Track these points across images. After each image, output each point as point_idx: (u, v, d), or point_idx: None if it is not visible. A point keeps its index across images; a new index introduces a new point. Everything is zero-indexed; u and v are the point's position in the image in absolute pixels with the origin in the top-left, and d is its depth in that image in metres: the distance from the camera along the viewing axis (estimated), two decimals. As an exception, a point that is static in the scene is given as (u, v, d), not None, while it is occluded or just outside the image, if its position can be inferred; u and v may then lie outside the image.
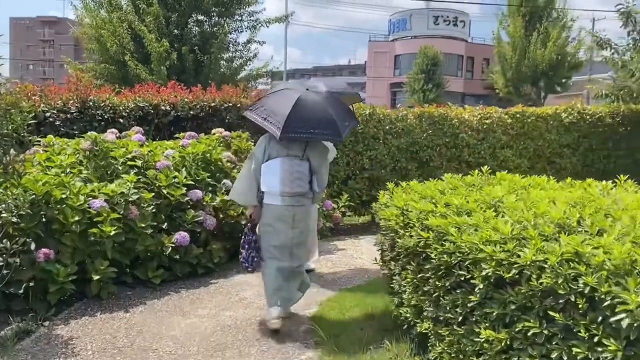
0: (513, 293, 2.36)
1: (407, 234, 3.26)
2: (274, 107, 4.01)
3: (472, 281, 2.58)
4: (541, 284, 2.21)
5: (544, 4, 24.76)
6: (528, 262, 2.28)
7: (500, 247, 2.45)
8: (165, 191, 5.29)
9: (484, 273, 2.45)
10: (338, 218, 7.23)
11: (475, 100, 31.35)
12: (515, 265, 2.33)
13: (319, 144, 4.22)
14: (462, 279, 2.66)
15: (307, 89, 4.20)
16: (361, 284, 5.22)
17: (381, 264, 4.25)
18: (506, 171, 9.23)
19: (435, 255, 2.86)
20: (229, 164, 6.22)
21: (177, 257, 5.11)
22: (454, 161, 8.95)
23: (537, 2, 24.74)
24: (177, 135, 6.65)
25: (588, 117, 9.84)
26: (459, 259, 2.67)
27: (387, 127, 8.44)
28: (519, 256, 2.34)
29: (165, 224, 5.20)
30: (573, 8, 46.16)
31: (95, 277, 4.43)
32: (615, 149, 9.95)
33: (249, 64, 15.39)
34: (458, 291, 2.72)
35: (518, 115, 9.49)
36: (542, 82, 25.04)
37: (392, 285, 3.73)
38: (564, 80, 25.81)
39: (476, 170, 3.87)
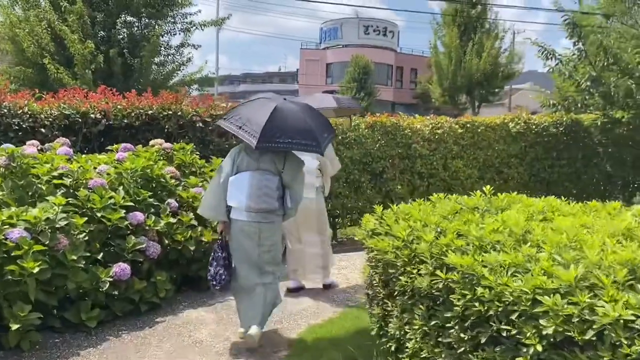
0: (585, 359, 1.85)
1: (415, 271, 2.71)
2: (250, 116, 3.69)
3: (519, 337, 2.05)
4: (634, 350, 1.72)
5: (476, 16, 25.28)
6: (611, 321, 1.78)
7: (565, 298, 1.93)
8: (99, 215, 4.49)
9: (544, 332, 1.93)
10: (293, 237, 6.59)
11: (405, 109, 31.74)
12: (593, 326, 1.81)
13: (293, 158, 3.90)
14: (505, 334, 2.13)
15: (285, 99, 3.89)
16: (332, 318, 4.62)
17: (368, 299, 3.66)
18: (458, 182, 9.14)
19: (461, 302, 2.32)
20: (173, 180, 5.46)
21: (116, 293, 4.32)
22: (407, 172, 8.63)
23: (471, 13, 25.21)
24: (109, 148, 5.78)
25: (534, 126, 9.81)
26: (499, 309, 2.14)
27: (339, 138, 7.97)
28: (593, 311, 1.84)
29: (101, 254, 4.40)
30: (502, 19, 47.93)
31: (14, 327, 3.57)
32: (558, 158, 9.98)
33: (182, 69, 14.42)
34: (497, 348, 2.18)
35: (468, 125, 9.30)
36: (477, 91, 25.53)
37: (386, 329, 3.16)
38: (497, 90, 26.50)
39: (478, 192, 3.36)
